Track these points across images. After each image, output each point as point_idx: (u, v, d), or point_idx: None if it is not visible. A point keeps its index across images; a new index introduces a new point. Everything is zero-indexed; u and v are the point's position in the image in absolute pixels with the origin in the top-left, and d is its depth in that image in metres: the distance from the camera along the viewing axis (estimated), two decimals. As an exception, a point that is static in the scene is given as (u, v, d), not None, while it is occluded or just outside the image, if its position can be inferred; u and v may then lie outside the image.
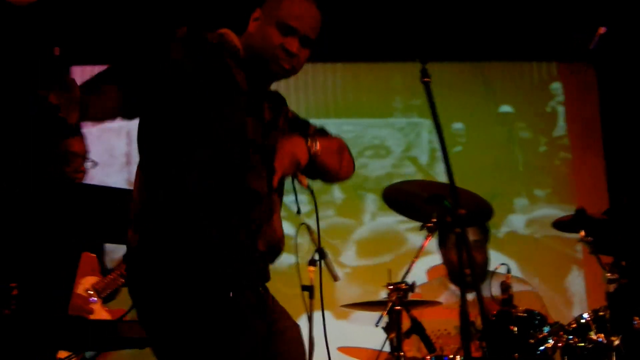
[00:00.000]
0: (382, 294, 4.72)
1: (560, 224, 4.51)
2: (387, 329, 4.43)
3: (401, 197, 4.52)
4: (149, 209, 2.78)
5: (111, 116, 2.82)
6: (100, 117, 2.78)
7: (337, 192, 7.14)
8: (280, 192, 3.02)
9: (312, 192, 3.03)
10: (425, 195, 4.35)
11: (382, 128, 7.37)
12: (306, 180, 2.98)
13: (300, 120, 3.22)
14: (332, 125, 6.20)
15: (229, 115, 2.83)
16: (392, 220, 6.94)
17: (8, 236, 4.22)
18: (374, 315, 4.47)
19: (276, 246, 2.94)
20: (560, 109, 7.47)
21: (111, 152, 6.98)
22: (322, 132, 3.20)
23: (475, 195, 4.45)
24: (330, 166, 3.08)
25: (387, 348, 4.50)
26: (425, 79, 3.03)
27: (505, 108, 7.47)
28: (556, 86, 7.50)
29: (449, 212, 4.10)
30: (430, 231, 4.35)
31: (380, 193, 4.67)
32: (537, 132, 7.44)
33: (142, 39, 2.89)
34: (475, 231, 5.16)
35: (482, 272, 5.21)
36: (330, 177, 3.17)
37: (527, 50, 7.25)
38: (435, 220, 4.31)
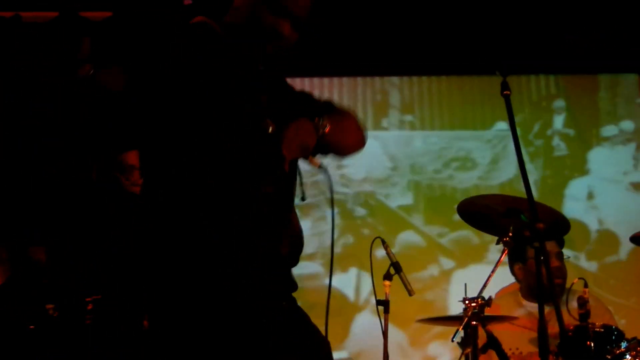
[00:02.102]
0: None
1: (637, 239, 4.48)
2: (462, 344, 4.39)
3: (476, 211, 4.49)
4: (149, 208, 2.76)
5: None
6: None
7: (421, 202, 7.12)
8: (292, 181, 2.93)
9: (326, 171, 2.92)
10: (502, 209, 4.31)
11: (469, 140, 7.32)
12: (318, 161, 2.89)
13: (303, 95, 3.11)
14: (420, 137, 6.18)
15: (240, 115, 2.77)
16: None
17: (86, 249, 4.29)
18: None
19: (298, 247, 2.91)
20: None
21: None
22: (329, 108, 3.07)
23: (551, 209, 4.40)
24: (340, 142, 2.99)
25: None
26: (506, 92, 3.01)
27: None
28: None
29: (527, 226, 4.05)
30: (507, 246, 4.30)
31: None
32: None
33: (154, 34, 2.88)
34: (554, 243, 5.12)
35: (562, 285, 5.15)
36: (342, 152, 3.07)
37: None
38: (512, 234, 4.26)
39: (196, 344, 2.62)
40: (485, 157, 7.26)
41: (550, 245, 5.06)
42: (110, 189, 4.80)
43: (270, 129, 2.75)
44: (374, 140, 7.17)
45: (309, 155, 2.85)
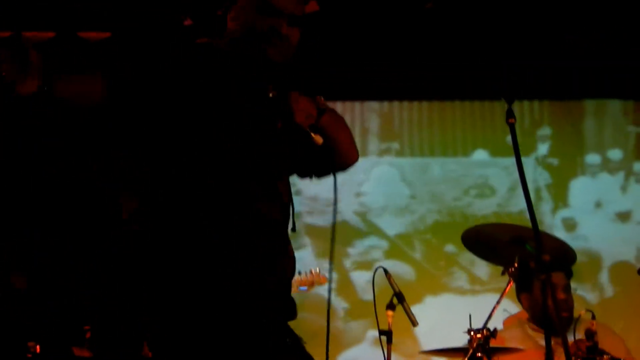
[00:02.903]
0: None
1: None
2: (467, 376, 4.33)
3: (481, 240, 4.44)
4: (149, 208, 2.76)
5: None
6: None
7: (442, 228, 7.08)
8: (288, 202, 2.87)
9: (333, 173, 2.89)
10: (506, 239, 4.26)
11: (487, 167, 7.26)
12: (320, 138, 2.82)
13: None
14: (437, 164, 6.10)
15: (241, 115, 2.73)
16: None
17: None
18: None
19: (291, 275, 2.84)
20: None
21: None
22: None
23: (557, 239, 4.38)
24: (337, 138, 2.91)
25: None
26: (510, 120, 2.97)
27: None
28: None
29: (533, 257, 3.99)
30: (513, 276, 4.24)
31: None
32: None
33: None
34: (561, 275, 5.04)
35: (569, 317, 5.07)
36: (342, 153, 2.96)
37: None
38: (517, 265, 4.20)
39: (197, 345, 2.61)
40: (504, 185, 7.19)
41: (558, 277, 4.97)
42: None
43: (271, 95, 2.76)
44: (389, 167, 7.13)
45: (314, 124, 2.81)
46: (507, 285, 4.31)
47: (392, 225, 7.10)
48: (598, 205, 7.18)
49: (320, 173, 2.98)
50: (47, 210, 4.89)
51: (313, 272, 4.97)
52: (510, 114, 2.98)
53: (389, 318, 4.69)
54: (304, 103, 2.81)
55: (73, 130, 5.11)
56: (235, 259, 2.67)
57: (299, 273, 5.15)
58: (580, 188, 7.19)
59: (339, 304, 6.84)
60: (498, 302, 4.34)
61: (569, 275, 5.19)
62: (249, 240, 2.70)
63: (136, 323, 4.40)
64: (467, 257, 6.73)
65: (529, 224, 3.07)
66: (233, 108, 2.74)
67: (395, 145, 7.19)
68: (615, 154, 7.24)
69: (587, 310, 4.47)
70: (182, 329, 2.63)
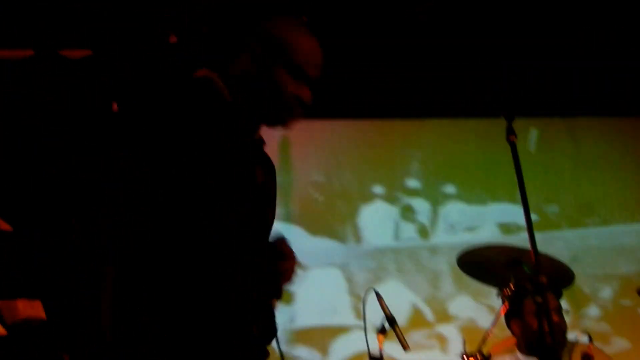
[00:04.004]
0: None
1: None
2: (461, 401, 4.23)
3: (477, 262, 4.37)
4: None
5: None
6: None
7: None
8: None
9: None
10: (502, 260, 4.21)
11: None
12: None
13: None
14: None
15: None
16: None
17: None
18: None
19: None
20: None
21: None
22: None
23: (554, 259, 4.32)
24: None
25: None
26: (511, 138, 2.90)
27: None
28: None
29: (529, 279, 3.91)
30: (508, 298, 4.16)
31: None
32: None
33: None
34: (552, 296, 4.93)
35: (563, 341, 4.96)
36: None
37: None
38: (513, 286, 4.13)
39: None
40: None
41: (551, 300, 4.86)
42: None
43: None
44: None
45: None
46: (502, 307, 4.22)
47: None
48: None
49: None
50: (47, 210, 4.82)
51: None
52: (510, 132, 2.91)
53: (380, 343, 4.60)
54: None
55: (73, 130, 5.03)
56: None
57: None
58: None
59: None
60: (492, 325, 4.26)
61: (558, 295, 5.09)
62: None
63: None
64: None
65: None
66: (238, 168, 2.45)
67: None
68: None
69: (584, 332, 4.40)
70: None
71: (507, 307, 4.28)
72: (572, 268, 4.50)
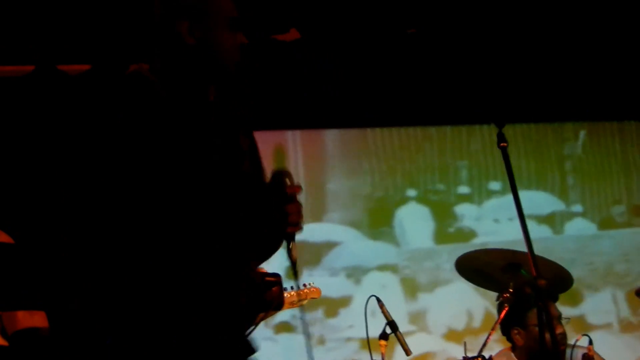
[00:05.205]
0: None
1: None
2: (463, 405, 4.24)
3: (475, 267, 4.37)
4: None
5: None
6: None
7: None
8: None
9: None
10: (501, 265, 4.20)
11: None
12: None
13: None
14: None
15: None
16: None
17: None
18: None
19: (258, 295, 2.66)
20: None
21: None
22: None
23: (553, 263, 4.31)
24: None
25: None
26: (502, 144, 2.91)
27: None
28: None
29: (528, 283, 3.91)
30: (507, 302, 4.16)
31: None
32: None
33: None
34: (554, 305, 4.90)
35: (563, 351, 4.96)
36: None
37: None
38: (512, 290, 4.13)
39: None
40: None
41: (552, 309, 4.82)
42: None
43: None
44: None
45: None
46: (502, 311, 4.21)
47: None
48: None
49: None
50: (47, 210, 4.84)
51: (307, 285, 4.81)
52: (501, 138, 2.92)
53: (382, 348, 4.62)
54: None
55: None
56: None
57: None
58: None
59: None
60: (492, 329, 4.23)
61: (554, 300, 5.08)
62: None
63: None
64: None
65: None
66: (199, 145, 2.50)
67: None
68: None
69: (584, 334, 4.37)
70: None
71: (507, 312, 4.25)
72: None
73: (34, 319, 3.55)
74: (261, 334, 2.64)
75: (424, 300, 6.56)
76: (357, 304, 5.73)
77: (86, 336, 2.44)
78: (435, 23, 6.15)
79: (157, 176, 2.38)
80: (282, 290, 2.78)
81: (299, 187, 2.54)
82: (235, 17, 2.55)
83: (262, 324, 2.67)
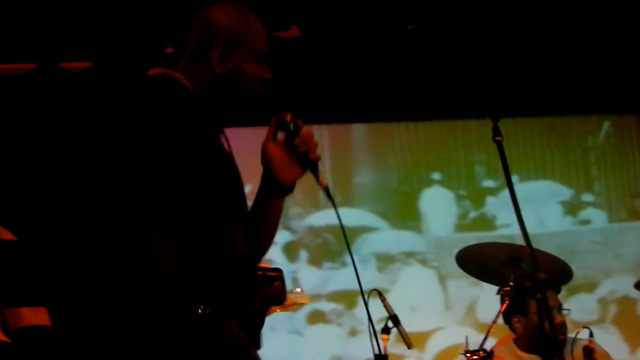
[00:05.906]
0: None
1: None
2: (464, 398, 4.25)
3: (476, 260, 4.38)
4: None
5: None
6: None
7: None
8: None
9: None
10: (502, 258, 4.21)
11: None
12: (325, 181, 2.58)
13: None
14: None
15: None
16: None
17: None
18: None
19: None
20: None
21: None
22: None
23: (553, 256, 4.35)
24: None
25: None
26: (498, 138, 2.92)
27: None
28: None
29: (528, 276, 3.91)
30: (509, 296, 4.18)
31: None
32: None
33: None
34: (554, 295, 4.93)
35: (564, 340, 4.97)
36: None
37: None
38: (512, 284, 4.14)
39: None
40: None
41: (552, 299, 4.85)
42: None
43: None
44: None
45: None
46: (502, 305, 4.23)
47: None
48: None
49: None
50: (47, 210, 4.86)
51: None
52: (496, 132, 2.93)
53: (384, 342, 4.63)
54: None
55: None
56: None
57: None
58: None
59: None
60: (494, 322, 4.26)
61: (557, 292, 5.09)
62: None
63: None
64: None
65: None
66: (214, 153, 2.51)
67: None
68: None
69: (585, 327, 4.39)
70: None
71: (508, 304, 4.28)
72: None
73: (38, 317, 3.54)
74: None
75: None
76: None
77: (87, 335, 2.45)
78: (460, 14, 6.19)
79: (163, 174, 2.36)
80: (284, 285, 2.80)
81: (299, 120, 2.56)
82: (267, 54, 2.56)
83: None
